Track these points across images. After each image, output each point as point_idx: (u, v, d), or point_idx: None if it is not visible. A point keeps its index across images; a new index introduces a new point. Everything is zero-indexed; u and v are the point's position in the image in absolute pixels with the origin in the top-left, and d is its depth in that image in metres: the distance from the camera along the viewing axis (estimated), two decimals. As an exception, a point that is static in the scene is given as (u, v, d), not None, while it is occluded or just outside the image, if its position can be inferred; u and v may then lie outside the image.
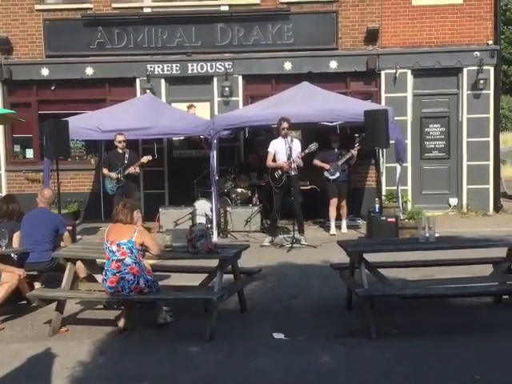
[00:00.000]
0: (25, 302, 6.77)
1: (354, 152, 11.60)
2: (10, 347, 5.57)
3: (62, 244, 7.35)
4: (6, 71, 13.85)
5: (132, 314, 6.07)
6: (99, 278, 6.21)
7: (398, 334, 5.64)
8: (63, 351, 5.38)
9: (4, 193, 13.56)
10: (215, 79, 13.92)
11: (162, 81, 14.00)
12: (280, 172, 10.28)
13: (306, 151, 10.29)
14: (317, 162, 11.64)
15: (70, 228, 10.45)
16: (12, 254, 6.96)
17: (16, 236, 7.07)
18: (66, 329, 6.01)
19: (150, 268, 6.21)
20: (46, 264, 7.00)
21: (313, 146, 10.29)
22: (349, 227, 11.82)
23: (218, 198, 11.57)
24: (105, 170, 11.44)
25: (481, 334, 5.56)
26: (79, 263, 6.54)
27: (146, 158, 11.30)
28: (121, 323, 5.91)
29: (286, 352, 5.28)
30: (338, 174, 11.60)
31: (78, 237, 11.16)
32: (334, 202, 11.68)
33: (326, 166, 11.59)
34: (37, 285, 6.98)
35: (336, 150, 11.77)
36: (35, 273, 7.06)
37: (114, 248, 5.76)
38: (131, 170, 11.17)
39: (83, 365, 5.08)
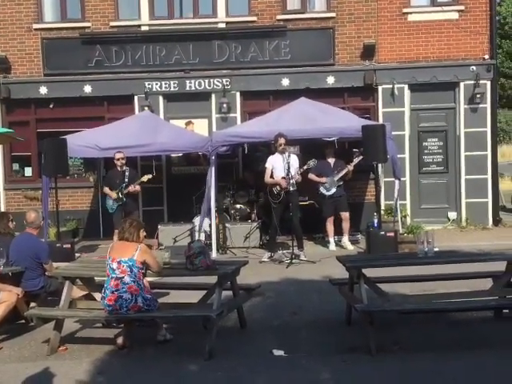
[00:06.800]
0: (23, 321, 6.73)
1: (351, 168, 11.45)
2: (8, 367, 5.53)
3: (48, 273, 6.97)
4: (4, 90, 13.89)
5: (131, 331, 6.04)
6: (98, 296, 6.17)
7: (398, 349, 5.60)
8: (62, 371, 5.34)
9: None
10: (213, 96, 13.97)
11: (160, 98, 14.05)
12: (278, 188, 10.28)
13: (305, 167, 10.32)
14: (312, 176, 11.48)
15: (69, 246, 10.56)
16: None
17: None
18: (64, 348, 5.96)
19: (149, 286, 6.17)
20: (35, 292, 6.82)
21: (311, 163, 10.34)
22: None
23: (217, 214, 11.54)
24: (106, 189, 11.29)
25: (482, 350, 5.52)
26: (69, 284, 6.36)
27: (146, 177, 11.28)
28: (120, 340, 5.89)
29: (285, 369, 5.25)
30: (333, 190, 11.44)
31: (77, 255, 11.13)
32: (330, 219, 11.56)
33: (323, 180, 11.43)
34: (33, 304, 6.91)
35: (332, 164, 11.64)
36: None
37: (115, 265, 5.72)
38: (131, 188, 11.15)
39: (82, 384, 5.04)
